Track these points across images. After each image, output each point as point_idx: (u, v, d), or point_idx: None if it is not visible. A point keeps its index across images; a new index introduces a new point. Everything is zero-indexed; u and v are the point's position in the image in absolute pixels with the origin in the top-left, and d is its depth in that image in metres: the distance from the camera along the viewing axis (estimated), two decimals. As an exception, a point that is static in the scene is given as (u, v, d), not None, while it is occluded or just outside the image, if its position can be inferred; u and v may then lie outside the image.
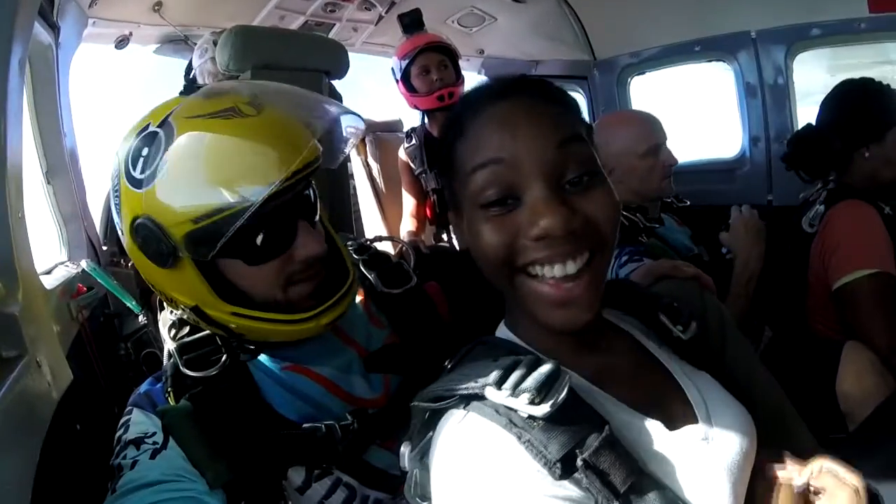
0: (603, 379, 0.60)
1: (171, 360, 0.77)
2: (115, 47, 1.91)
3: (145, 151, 0.69)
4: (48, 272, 1.36)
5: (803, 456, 0.87)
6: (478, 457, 0.51)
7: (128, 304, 1.45)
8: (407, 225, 2.18)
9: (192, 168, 0.67)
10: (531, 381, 0.50)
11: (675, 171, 1.63)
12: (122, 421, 0.74)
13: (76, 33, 1.63)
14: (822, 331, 1.48)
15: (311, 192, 0.79)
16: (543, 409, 0.48)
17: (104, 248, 1.74)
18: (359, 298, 0.91)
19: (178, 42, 2.00)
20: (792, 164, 1.63)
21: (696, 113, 2.62)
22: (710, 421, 0.59)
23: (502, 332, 0.66)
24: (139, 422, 0.72)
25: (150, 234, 0.69)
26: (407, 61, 2.08)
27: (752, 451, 0.60)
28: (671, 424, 0.58)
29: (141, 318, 1.47)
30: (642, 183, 1.59)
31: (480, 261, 0.60)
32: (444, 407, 0.56)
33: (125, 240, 0.73)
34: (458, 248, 0.65)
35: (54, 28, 1.43)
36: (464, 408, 0.54)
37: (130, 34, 1.90)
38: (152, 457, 0.68)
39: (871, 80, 1.52)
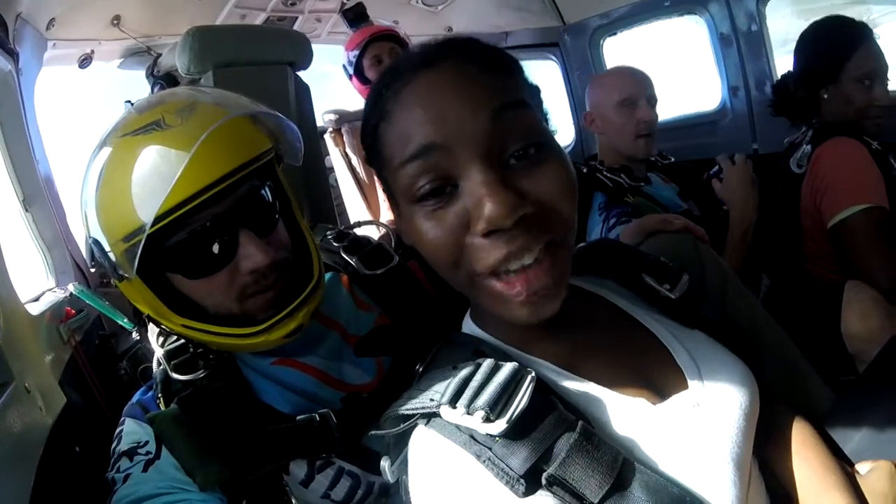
0: (577, 361, 0.56)
1: (161, 367, 0.77)
2: (79, 66, 1.88)
3: (87, 172, 0.71)
4: (35, 299, 1.35)
5: (818, 404, 0.87)
6: (441, 478, 0.49)
7: (119, 323, 1.44)
8: (386, 213, 2.15)
9: (117, 188, 0.67)
10: (487, 395, 0.47)
11: (658, 129, 1.62)
12: (116, 432, 0.74)
13: (36, 57, 1.60)
14: (821, 273, 1.47)
15: (268, 192, 0.76)
16: (499, 426, 0.45)
17: (92, 269, 1.73)
18: (343, 285, 0.91)
19: (141, 54, 1.97)
20: (778, 112, 1.62)
21: (674, 69, 2.59)
22: (703, 383, 0.56)
23: (468, 325, 0.62)
24: (131, 432, 0.73)
25: (98, 254, 0.70)
26: (357, 53, 2.07)
27: (754, 407, 0.57)
28: (658, 396, 0.54)
29: (134, 335, 1.47)
30: (618, 135, 1.60)
31: (428, 261, 0.54)
32: (409, 427, 0.53)
33: None
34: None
35: (12, 54, 1.40)
36: (426, 425, 0.52)
37: (92, 52, 1.86)
38: (145, 469, 0.68)
39: (828, 18, 1.50)
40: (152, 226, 0.63)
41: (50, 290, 1.46)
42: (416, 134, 0.49)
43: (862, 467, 0.62)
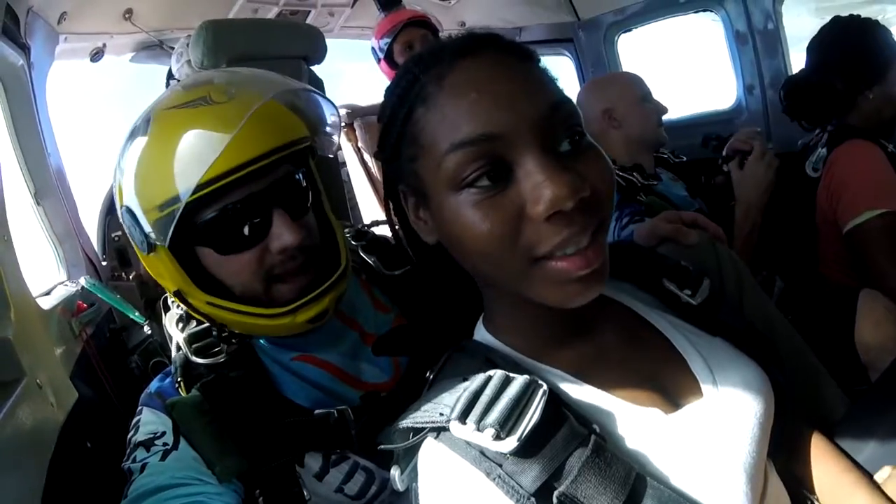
0: (590, 369, 0.55)
1: (181, 353, 0.77)
2: (91, 60, 1.88)
3: (128, 144, 0.72)
4: (47, 293, 1.35)
5: (833, 407, 0.86)
6: (450, 495, 0.48)
7: (131, 316, 1.45)
8: None
9: (159, 157, 0.69)
10: (497, 412, 0.45)
11: (672, 127, 1.67)
12: (133, 422, 0.74)
13: (48, 51, 1.60)
14: (835, 276, 1.45)
15: (302, 178, 0.77)
16: (510, 443, 0.44)
17: (104, 263, 1.73)
18: (361, 286, 0.90)
19: (153, 48, 1.97)
20: (793, 115, 1.58)
21: (688, 66, 2.56)
22: (718, 391, 0.55)
23: (480, 332, 0.61)
24: (149, 421, 0.72)
25: (129, 222, 0.72)
26: (389, 39, 2.04)
27: (769, 415, 0.56)
28: (671, 405, 0.53)
29: (146, 329, 1.47)
30: (642, 126, 1.64)
31: (471, 254, 0.52)
32: (419, 441, 0.52)
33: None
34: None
35: (24, 48, 1.40)
36: (436, 438, 0.51)
37: (104, 46, 1.86)
38: (162, 459, 0.68)
39: (864, 17, 1.46)
40: (193, 194, 0.65)
41: (62, 283, 1.47)
42: (469, 120, 0.48)
43: (880, 475, 0.62)
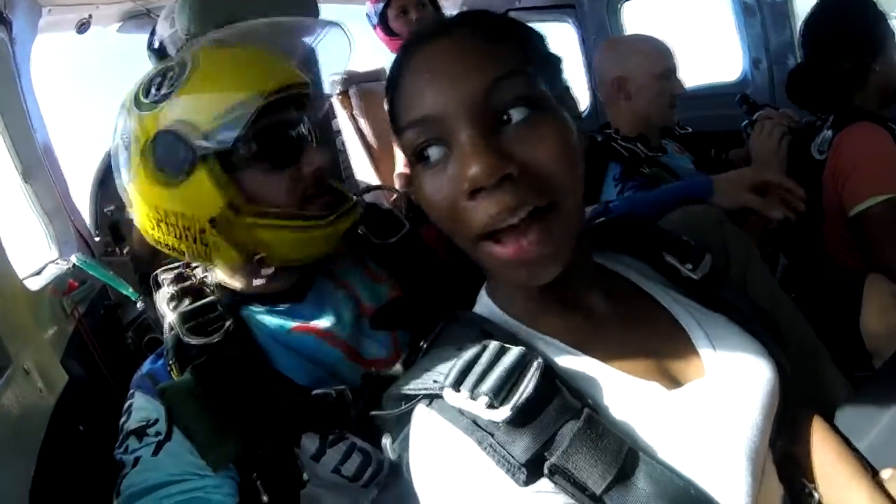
0: (589, 339, 0.54)
1: (173, 332, 0.75)
2: (77, 32, 1.82)
3: (167, 74, 0.74)
4: (38, 273, 1.34)
5: (834, 392, 0.86)
6: (442, 463, 0.48)
7: (124, 293, 1.43)
8: (399, 168, 2.08)
9: (219, 73, 0.73)
10: (491, 380, 0.45)
11: (678, 98, 1.57)
12: (125, 406, 0.72)
13: (31, 25, 1.55)
14: (839, 258, 1.43)
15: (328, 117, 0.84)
16: (503, 412, 0.44)
17: (97, 238, 1.72)
18: (352, 257, 0.89)
19: (140, 17, 1.91)
20: (803, 104, 1.53)
21: (695, 38, 2.48)
22: (721, 371, 0.54)
23: (482, 299, 0.61)
24: (140, 407, 0.71)
25: (168, 145, 0.71)
26: (382, 4, 1.98)
27: (773, 398, 0.55)
28: (673, 382, 0.53)
29: (139, 305, 1.45)
30: (651, 105, 1.55)
31: (435, 222, 0.54)
32: (411, 408, 0.52)
33: (132, 177, 0.74)
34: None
35: (5, 22, 1.36)
36: (428, 405, 0.50)
37: (90, 17, 1.80)
38: (155, 452, 0.66)
39: None
40: (267, 97, 0.70)
41: (53, 262, 1.45)
42: (416, 101, 0.51)
43: (885, 473, 0.62)
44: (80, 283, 1.36)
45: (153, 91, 0.73)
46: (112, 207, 1.78)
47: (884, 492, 0.59)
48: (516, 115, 0.49)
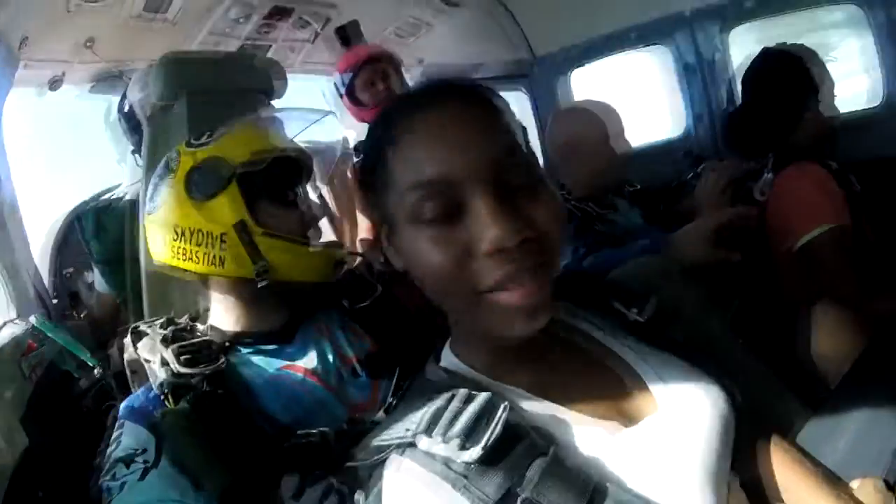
0: (551, 388, 0.58)
1: (166, 367, 0.79)
2: (50, 89, 1.83)
3: (204, 137, 0.92)
4: (-5, 331, 1.28)
5: (789, 420, 0.90)
6: None
7: (83, 358, 1.37)
8: (362, 233, 2.09)
9: (246, 133, 0.94)
10: (461, 424, 0.49)
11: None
12: (113, 436, 0.74)
13: (7, 76, 1.55)
14: (790, 295, 1.50)
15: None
16: (475, 452, 0.47)
17: (54, 301, 1.66)
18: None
19: (112, 78, 1.93)
20: (739, 148, 1.65)
21: (640, 98, 2.67)
22: (673, 405, 0.59)
23: (446, 355, 0.65)
24: (130, 437, 0.73)
25: (210, 167, 0.86)
26: (351, 75, 2.06)
27: (726, 421, 0.59)
28: (630, 419, 0.57)
29: (96, 372, 1.40)
30: (602, 167, 1.62)
31: (425, 282, 0.57)
32: (383, 458, 0.54)
33: (159, 204, 0.88)
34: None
35: (-19, 73, 1.36)
36: (400, 455, 0.52)
37: (63, 74, 1.82)
38: (142, 477, 0.69)
39: (789, 46, 1.57)
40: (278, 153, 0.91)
41: (11, 321, 1.39)
42: (427, 163, 0.53)
43: (854, 483, 0.66)
44: (38, 345, 1.30)
45: (203, 138, 0.90)
46: (71, 269, 1.74)
47: (856, 501, 0.63)
48: (521, 180, 0.54)
